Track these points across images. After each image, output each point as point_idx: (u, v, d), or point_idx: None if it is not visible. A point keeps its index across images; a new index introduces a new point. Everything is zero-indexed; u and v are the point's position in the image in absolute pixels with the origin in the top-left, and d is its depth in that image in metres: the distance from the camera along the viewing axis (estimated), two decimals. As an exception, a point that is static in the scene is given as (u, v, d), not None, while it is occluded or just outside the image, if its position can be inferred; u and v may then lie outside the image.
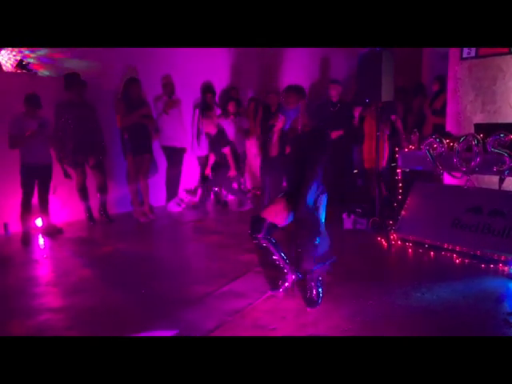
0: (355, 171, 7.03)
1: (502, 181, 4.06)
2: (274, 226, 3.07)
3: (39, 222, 5.16)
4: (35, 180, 4.97)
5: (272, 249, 3.11)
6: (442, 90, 6.29)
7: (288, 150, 3.13)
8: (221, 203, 6.67)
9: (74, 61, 5.43)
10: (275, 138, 3.08)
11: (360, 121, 6.03)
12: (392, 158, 5.68)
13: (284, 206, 3.04)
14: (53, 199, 5.32)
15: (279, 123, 3.06)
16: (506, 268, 3.64)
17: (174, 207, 6.29)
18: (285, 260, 3.17)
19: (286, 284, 3.28)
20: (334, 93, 5.94)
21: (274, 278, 3.36)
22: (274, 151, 3.11)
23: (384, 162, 5.75)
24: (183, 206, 6.38)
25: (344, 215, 5.13)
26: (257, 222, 3.04)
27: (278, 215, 3.04)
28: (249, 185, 7.24)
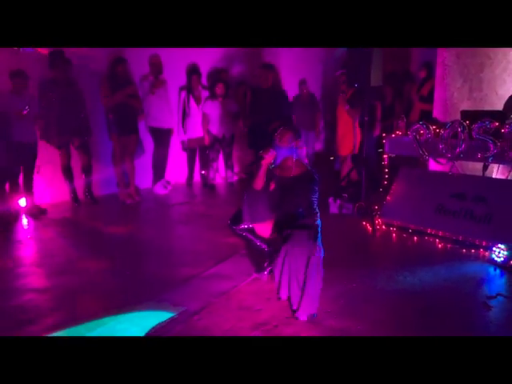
0: (331, 158, 7.10)
1: (485, 167, 4.13)
2: (253, 231, 3.11)
3: (23, 202, 5.09)
4: (20, 159, 4.88)
5: (250, 236, 3.14)
6: (430, 76, 6.31)
7: (272, 186, 3.03)
8: (208, 186, 6.66)
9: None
10: (262, 171, 2.93)
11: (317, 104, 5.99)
12: (378, 144, 5.71)
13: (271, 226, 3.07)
14: (37, 179, 5.24)
15: (269, 157, 2.93)
16: (486, 253, 3.72)
17: (160, 189, 6.26)
18: (266, 244, 3.17)
19: (271, 266, 3.31)
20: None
21: (259, 260, 3.39)
22: (259, 184, 2.96)
23: (356, 149, 5.72)
24: (170, 188, 6.35)
25: (330, 200, 5.17)
26: (238, 218, 3.07)
27: (263, 229, 3.08)
28: (236, 168, 7.22)
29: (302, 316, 2.69)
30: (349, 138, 5.63)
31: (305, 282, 2.68)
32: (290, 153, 3.03)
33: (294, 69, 8.17)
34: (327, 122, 8.21)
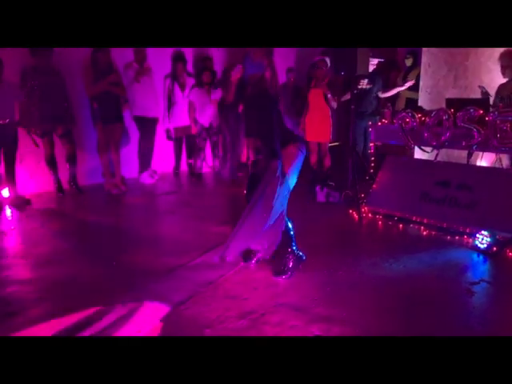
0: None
1: (470, 155, 4.16)
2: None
3: (5, 192, 5.00)
4: (0, 149, 4.79)
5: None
6: (415, 64, 6.32)
7: (240, 107, 3.19)
8: (195, 175, 6.62)
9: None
10: (232, 86, 3.15)
11: (304, 92, 5.86)
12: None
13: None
14: (20, 169, 5.15)
15: (235, 73, 3.08)
16: (470, 240, 3.78)
17: (146, 179, 6.20)
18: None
19: (258, 255, 3.31)
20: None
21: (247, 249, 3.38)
22: (230, 97, 3.20)
23: (328, 137, 5.63)
24: (156, 177, 6.30)
25: (317, 188, 5.19)
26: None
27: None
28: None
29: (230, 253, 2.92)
30: (326, 124, 5.51)
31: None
32: (260, 70, 3.08)
33: (282, 56, 8.12)
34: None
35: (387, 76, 6.94)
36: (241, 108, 3.17)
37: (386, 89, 6.28)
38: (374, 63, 5.90)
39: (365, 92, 5.97)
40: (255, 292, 2.92)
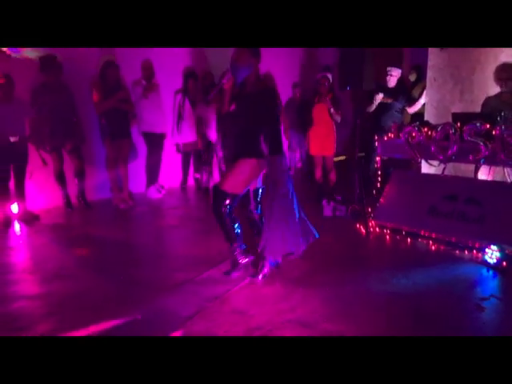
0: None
1: (477, 169, 4.15)
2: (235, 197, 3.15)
3: (15, 207, 5.05)
4: (10, 165, 4.86)
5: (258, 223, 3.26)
6: (420, 79, 6.35)
7: (233, 106, 3.13)
8: (202, 190, 6.64)
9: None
10: (226, 96, 3.07)
11: (310, 107, 5.89)
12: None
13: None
14: (29, 185, 5.21)
15: (228, 82, 3.05)
16: (479, 255, 3.74)
17: (154, 194, 6.24)
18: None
19: (265, 270, 3.31)
20: None
21: (254, 264, 3.38)
22: (226, 107, 3.11)
23: (332, 150, 5.66)
24: (163, 192, 6.33)
25: (324, 202, 5.19)
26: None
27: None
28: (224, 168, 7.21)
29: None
30: (332, 138, 5.60)
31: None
32: (250, 71, 3.08)
33: (288, 72, 8.21)
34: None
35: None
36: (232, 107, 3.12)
37: (411, 103, 5.77)
38: (392, 73, 5.53)
39: (385, 106, 5.66)
40: (262, 307, 2.90)
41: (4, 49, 5.06)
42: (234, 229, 3.26)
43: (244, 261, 3.31)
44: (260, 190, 3.36)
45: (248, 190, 3.29)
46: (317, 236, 3.19)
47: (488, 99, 4.52)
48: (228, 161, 3.28)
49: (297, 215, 3.08)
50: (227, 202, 3.13)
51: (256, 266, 3.33)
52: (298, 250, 3.15)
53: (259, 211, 3.39)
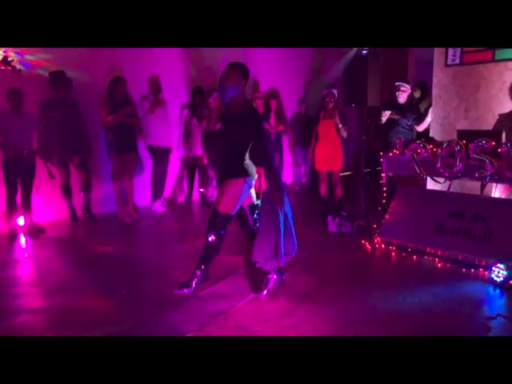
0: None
1: (483, 186, 4.13)
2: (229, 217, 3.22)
3: (21, 220, 5.08)
4: (18, 178, 4.90)
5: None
6: (424, 96, 6.38)
7: (218, 125, 3.16)
8: (206, 204, 6.65)
9: (58, 57, 5.35)
10: (213, 115, 3.11)
11: (314, 123, 5.88)
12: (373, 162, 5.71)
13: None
14: (35, 198, 5.24)
15: (214, 100, 3.09)
16: (486, 273, 3.70)
17: (159, 207, 6.25)
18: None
19: (269, 286, 3.30)
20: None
21: (258, 280, 3.36)
22: (212, 125, 3.15)
23: (339, 166, 5.68)
24: (168, 206, 6.35)
25: (329, 218, 5.17)
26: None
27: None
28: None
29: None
30: (339, 154, 5.63)
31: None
32: (237, 91, 3.10)
33: (293, 87, 8.28)
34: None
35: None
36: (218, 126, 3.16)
37: (419, 121, 5.58)
38: (402, 89, 5.45)
39: (392, 122, 5.56)
40: (266, 324, 2.88)
41: (15, 63, 5.15)
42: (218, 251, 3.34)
43: (194, 284, 3.34)
44: (256, 206, 3.40)
45: (243, 208, 3.36)
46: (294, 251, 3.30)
47: (502, 116, 4.52)
48: (217, 180, 3.34)
49: (290, 227, 3.22)
50: (221, 221, 3.21)
51: (260, 281, 3.32)
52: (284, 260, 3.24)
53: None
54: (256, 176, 3.29)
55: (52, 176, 5.17)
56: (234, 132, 3.12)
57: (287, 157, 8.09)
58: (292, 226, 3.24)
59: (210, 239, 3.26)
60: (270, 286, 3.30)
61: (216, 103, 3.11)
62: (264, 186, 6.30)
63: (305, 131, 7.24)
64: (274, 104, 6.94)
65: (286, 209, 3.15)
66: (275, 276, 3.32)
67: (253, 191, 3.38)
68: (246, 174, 3.18)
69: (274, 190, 3.11)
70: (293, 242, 3.22)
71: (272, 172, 3.13)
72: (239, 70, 3.12)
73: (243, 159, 3.19)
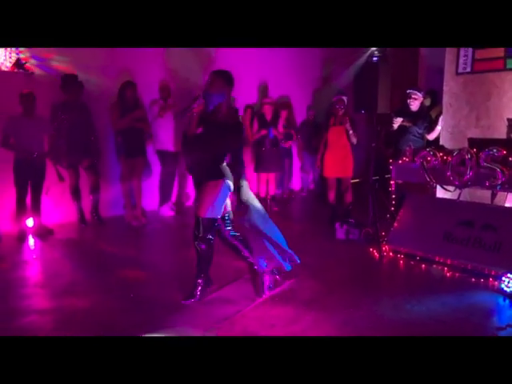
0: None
1: (493, 195, 4.09)
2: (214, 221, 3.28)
3: (30, 222, 5.12)
4: (28, 180, 4.95)
5: (240, 246, 3.41)
6: (434, 104, 6.34)
7: (200, 129, 3.17)
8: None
9: (70, 61, 5.41)
10: (194, 120, 3.13)
11: (322, 129, 5.87)
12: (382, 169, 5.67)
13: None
14: (45, 200, 5.28)
15: (199, 106, 3.09)
16: (496, 282, 3.65)
17: (166, 211, 6.27)
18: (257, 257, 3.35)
19: (266, 283, 3.35)
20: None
21: (253, 284, 3.39)
22: (192, 130, 3.16)
23: (350, 172, 5.67)
24: (176, 210, 6.36)
25: (337, 225, 5.14)
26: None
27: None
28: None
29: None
30: (349, 160, 5.62)
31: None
32: (222, 99, 3.13)
33: (302, 94, 8.29)
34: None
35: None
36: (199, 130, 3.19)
37: (430, 130, 5.41)
38: (413, 96, 5.36)
39: (404, 130, 5.40)
40: (272, 329, 2.86)
41: (28, 66, 5.21)
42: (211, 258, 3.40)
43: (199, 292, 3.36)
44: (227, 215, 3.45)
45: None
46: (298, 261, 3.47)
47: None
48: (195, 183, 3.37)
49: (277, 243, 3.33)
50: (206, 226, 3.25)
51: (256, 284, 3.38)
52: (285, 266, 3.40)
53: (233, 233, 3.49)
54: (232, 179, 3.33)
55: (62, 178, 5.21)
56: (216, 139, 3.15)
57: (296, 163, 8.09)
58: (280, 242, 3.35)
59: (199, 248, 3.29)
60: (266, 285, 3.35)
61: (200, 109, 3.12)
62: (271, 192, 6.31)
63: (313, 138, 7.23)
64: (285, 114, 6.94)
65: (265, 227, 3.29)
66: (269, 276, 3.38)
67: (228, 201, 3.40)
68: (224, 175, 3.22)
69: (241, 203, 3.25)
70: (288, 254, 3.35)
71: (242, 183, 3.25)
72: (223, 78, 3.16)
73: (221, 163, 3.23)
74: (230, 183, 3.25)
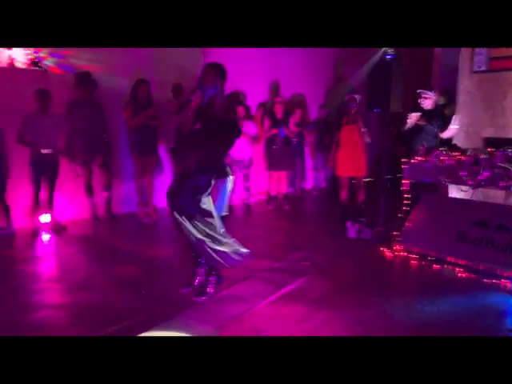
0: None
1: (508, 196, 4.03)
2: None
3: (45, 218, 5.19)
4: (42, 176, 5.02)
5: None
6: (448, 103, 6.26)
7: (198, 125, 3.16)
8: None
9: (84, 59, 5.46)
10: (191, 113, 3.08)
11: (334, 128, 5.84)
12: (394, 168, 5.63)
13: None
14: (58, 196, 5.35)
15: (196, 99, 3.06)
16: (508, 284, 3.61)
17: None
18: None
19: (197, 280, 3.38)
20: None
21: (275, 283, 3.36)
22: (188, 126, 3.12)
23: (363, 171, 5.64)
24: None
25: (348, 224, 5.12)
26: None
27: None
28: (254, 190, 7.24)
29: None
30: (362, 159, 5.59)
31: None
32: (215, 92, 3.11)
33: (313, 93, 8.26)
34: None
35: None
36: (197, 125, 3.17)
37: (443, 128, 5.21)
38: (424, 96, 5.25)
39: (418, 129, 5.27)
40: (283, 328, 2.86)
41: (42, 63, 5.28)
42: None
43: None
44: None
45: None
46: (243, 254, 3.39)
47: None
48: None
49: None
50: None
51: (201, 285, 3.38)
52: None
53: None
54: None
55: (78, 175, 5.30)
56: (214, 135, 3.15)
57: (308, 162, 8.07)
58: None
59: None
60: (196, 280, 3.37)
61: (197, 101, 3.09)
62: (282, 190, 6.29)
63: (325, 136, 7.20)
64: (298, 113, 6.93)
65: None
66: (202, 270, 3.39)
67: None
68: (228, 172, 3.30)
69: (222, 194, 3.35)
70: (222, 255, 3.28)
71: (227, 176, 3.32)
72: (216, 70, 3.16)
73: (215, 159, 3.25)
74: (232, 178, 3.34)
